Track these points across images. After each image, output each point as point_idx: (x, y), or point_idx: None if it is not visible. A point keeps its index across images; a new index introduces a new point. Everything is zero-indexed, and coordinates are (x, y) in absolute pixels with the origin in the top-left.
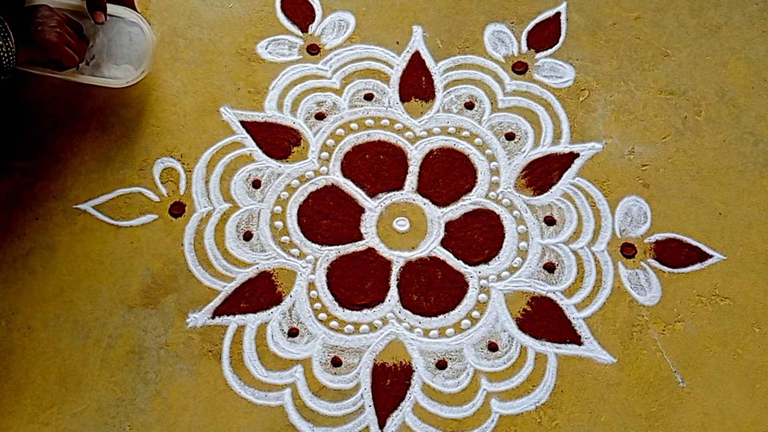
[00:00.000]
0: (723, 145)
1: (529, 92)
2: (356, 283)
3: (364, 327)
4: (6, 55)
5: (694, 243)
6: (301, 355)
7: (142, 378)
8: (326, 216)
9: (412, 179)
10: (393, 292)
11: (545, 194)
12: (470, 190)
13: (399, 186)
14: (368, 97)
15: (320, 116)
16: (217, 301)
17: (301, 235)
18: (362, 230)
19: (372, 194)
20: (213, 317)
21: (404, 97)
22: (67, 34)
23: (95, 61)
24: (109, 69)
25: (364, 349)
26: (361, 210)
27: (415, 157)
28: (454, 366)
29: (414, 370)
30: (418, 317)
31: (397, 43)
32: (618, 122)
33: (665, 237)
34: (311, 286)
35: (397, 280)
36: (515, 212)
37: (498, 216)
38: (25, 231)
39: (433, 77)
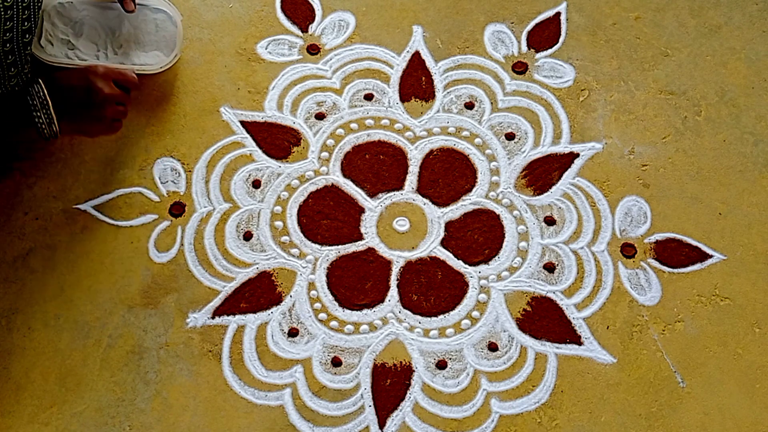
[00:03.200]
0: (723, 145)
1: (529, 92)
2: (356, 283)
3: (364, 327)
4: (46, 128)
5: (694, 243)
6: (301, 355)
7: (142, 378)
8: (326, 216)
9: (412, 179)
10: (393, 292)
11: (545, 194)
12: (470, 190)
13: (399, 186)
14: (368, 97)
15: (320, 116)
16: (217, 301)
17: (301, 235)
18: (362, 230)
19: (372, 194)
20: (213, 317)
21: (404, 97)
22: (116, 108)
23: (123, 50)
24: (138, 56)
25: (364, 349)
26: (361, 210)
27: (415, 157)
28: (454, 366)
29: (414, 370)
30: (418, 317)
31: None
32: (618, 122)
33: (665, 237)
34: (311, 286)
35: (397, 280)
36: (515, 212)
37: (498, 216)
38: (25, 231)
39: (433, 77)
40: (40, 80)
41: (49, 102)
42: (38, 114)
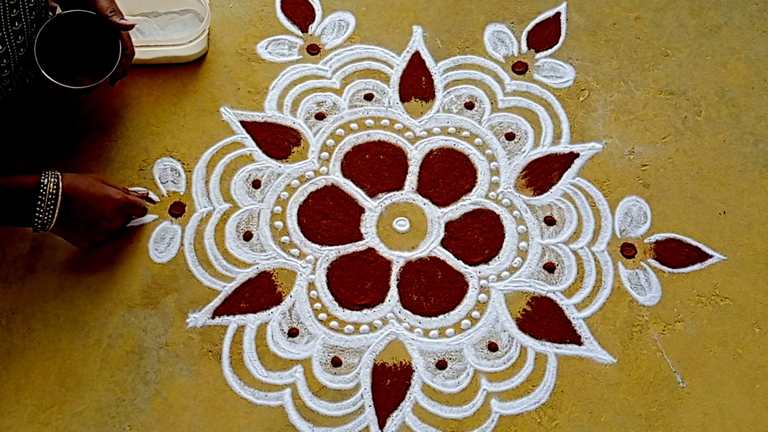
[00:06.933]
0: (723, 145)
1: (529, 92)
2: (356, 283)
3: (364, 327)
4: (40, 225)
5: (694, 243)
6: (301, 355)
7: (142, 378)
8: (326, 216)
9: (412, 179)
10: (393, 292)
11: (545, 194)
12: (470, 190)
13: (399, 186)
14: (368, 97)
15: (320, 116)
16: (217, 301)
17: (301, 235)
18: (362, 230)
19: (372, 194)
20: (213, 317)
21: (404, 97)
22: (112, 229)
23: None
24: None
25: (364, 349)
26: (361, 210)
27: (415, 157)
28: (454, 366)
29: (414, 370)
30: (418, 317)
31: None
32: (618, 122)
33: (665, 237)
34: (311, 286)
35: (397, 280)
36: (515, 212)
37: (498, 216)
38: (25, 231)
39: (433, 77)
40: (59, 175)
41: (58, 204)
42: (41, 210)
